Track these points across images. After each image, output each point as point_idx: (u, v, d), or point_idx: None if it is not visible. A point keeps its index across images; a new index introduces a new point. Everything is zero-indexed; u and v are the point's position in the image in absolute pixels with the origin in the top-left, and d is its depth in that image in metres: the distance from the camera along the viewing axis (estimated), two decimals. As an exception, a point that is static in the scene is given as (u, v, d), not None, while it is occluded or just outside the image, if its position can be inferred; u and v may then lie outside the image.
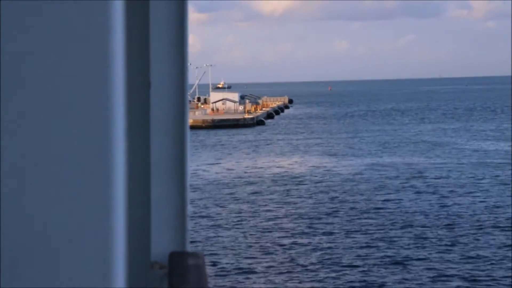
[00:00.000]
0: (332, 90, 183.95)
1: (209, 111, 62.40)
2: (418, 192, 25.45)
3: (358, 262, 16.82)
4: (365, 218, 21.43)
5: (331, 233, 19.72)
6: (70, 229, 0.53)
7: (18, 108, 0.54)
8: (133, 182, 1.22)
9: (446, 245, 18.26)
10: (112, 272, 0.54)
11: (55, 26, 0.56)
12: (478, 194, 24.89)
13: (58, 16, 0.56)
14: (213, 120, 55.77)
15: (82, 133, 0.53)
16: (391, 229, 20.07)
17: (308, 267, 16.49)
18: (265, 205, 23.57)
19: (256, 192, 26.01)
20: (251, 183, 27.96)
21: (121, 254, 0.55)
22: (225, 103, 64.19)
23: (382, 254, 17.48)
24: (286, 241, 18.94)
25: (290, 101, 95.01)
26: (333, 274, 15.97)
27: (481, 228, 19.90)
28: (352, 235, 19.48)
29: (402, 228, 20.16)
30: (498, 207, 22.67)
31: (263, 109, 70.15)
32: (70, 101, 0.53)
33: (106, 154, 0.53)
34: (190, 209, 1.40)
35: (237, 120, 56.35)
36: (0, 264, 0.52)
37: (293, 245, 18.52)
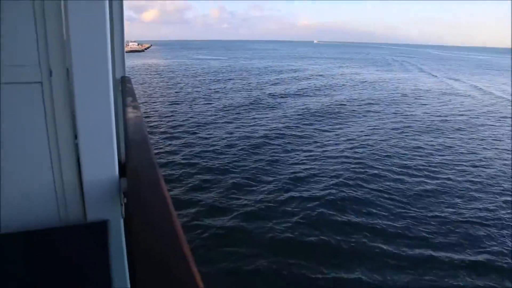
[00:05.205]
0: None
1: (129, 47, 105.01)
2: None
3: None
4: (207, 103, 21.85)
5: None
6: None
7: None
8: None
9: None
10: None
11: None
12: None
13: None
14: (130, 50, 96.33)
15: None
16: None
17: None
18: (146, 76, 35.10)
19: (139, 69, 42.60)
20: (139, 69, 43.75)
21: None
22: (133, 45, 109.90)
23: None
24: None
25: (151, 45, 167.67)
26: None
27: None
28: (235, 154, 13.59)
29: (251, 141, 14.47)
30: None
31: (144, 46, 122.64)
32: None
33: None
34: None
35: (138, 50, 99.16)
36: None
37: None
